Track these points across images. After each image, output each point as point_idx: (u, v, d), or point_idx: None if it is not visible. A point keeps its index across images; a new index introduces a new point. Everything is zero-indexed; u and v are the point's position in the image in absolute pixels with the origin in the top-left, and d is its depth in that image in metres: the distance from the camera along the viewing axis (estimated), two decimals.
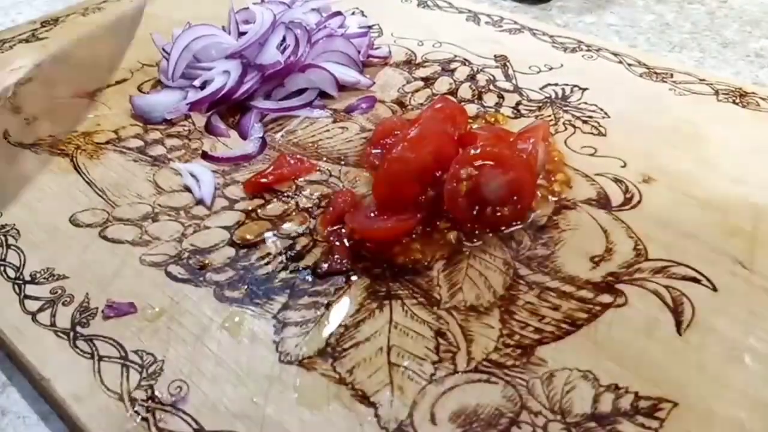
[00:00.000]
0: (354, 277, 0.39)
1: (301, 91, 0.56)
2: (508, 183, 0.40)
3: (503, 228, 0.41)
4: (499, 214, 0.41)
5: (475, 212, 0.41)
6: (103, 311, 0.38)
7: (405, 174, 0.41)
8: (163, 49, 0.60)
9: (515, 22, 0.66)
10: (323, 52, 0.58)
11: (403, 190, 0.42)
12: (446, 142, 0.43)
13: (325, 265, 0.40)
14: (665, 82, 0.55)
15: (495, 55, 0.61)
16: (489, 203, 0.41)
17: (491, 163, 0.40)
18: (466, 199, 0.40)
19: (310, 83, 0.56)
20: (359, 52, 0.60)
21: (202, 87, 0.56)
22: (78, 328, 0.37)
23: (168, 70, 0.59)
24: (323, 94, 0.57)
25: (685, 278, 0.37)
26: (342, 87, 0.57)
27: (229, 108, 0.56)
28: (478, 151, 0.41)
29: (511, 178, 0.40)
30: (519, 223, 0.41)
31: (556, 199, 0.43)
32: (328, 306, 0.37)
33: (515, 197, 0.41)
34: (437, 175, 0.42)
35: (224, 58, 0.58)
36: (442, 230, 0.41)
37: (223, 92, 0.55)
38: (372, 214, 0.42)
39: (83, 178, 0.49)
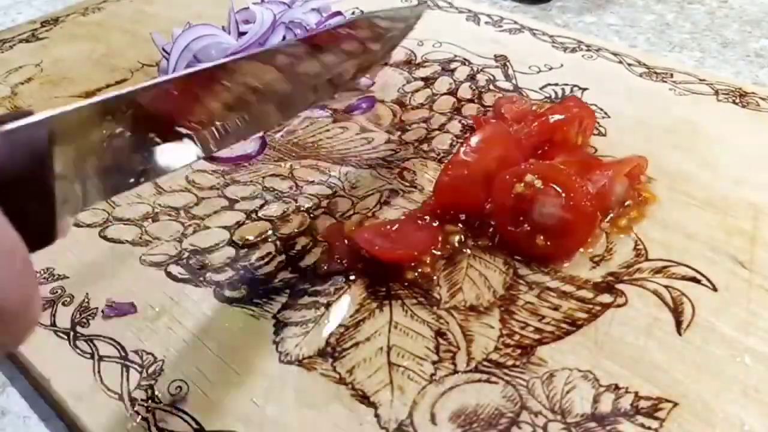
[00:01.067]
0: (354, 277, 0.39)
1: None
2: (561, 219, 0.37)
3: (543, 260, 0.38)
4: (540, 242, 0.38)
5: (522, 229, 0.38)
6: (103, 311, 0.38)
7: (467, 178, 0.40)
8: (163, 49, 0.60)
9: (515, 22, 0.66)
10: None
11: (466, 195, 0.40)
12: (513, 149, 0.41)
13: (325, 265, 0.40)
14: (665, 82, 0.55)
15: (495, 55, 0.61)
16: (537, 227, 0.38)
17: (542, 185, 0.37)
18: (515, 213, 0.38)
19: None
20: None
21: None
22: (78, 328, 0.37)
23: (168, 70, 0.58)
24: None
25: (685, 278, 0.37)
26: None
27: None
28: (534, 167, 0.38)
29: (565, 215, 0.37)
30: (563, 261, 0.38)
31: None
32: (328, 306, 0.37)
33: (565, 235, 0.38)
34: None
35: (224, 58, 0.58)
36: (448, 234, 0.41)
37: None
38: (385, 228, 0.41)
39: None
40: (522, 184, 0.38)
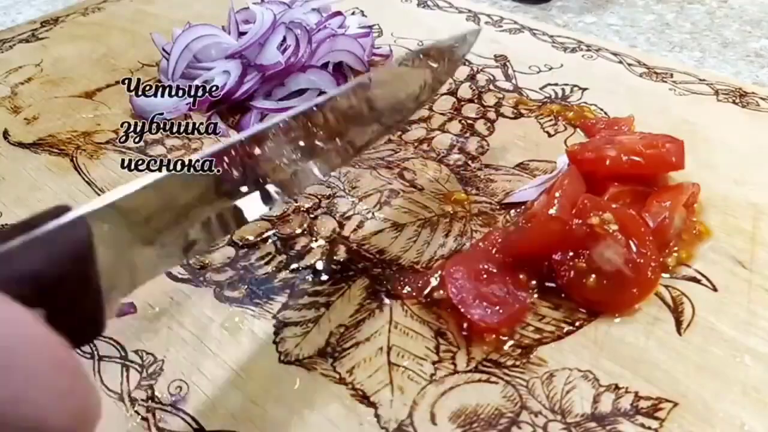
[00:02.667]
0: (354, 277, 0.39)
1: (301, 91, 0.57)
2: (618, 271, 0.34)
3: (592, 305, 0.36)
4: (590, 283, 0.35)
5: (577, 264, 0.35)
6: None
7: (555, 234, 0.37)
8: (163, 49, 0.60)
9: (515, 22, 0.66)
10: (330, 51, 0.58)
11: (549, 248, 0.37)
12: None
13: (325, 265, 0.40)
14: (665, 82, 0.55)
15: (495, 55, 0.61)
16: (592, 267, 0.35)
17: (616, 230, 0.35)
18: (578, 245, 0.36)
19: (311, 83, 0.56)
20: (364, 51, 0.60)
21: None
22: None
23: (168, 70, 0.59)
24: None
25: (685, 278, 0.37)
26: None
27: (229, 108, 0.56)
28: (616, 211, 0.36)
29: (625, 269, 0.34)
30: (612, 312, 0.35)
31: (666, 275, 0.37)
32: (328, 306, 0.37)
33: (617, 287, 0.35)
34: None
35: (224, 58, 0.58)
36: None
37: (223, 92, 0.55)
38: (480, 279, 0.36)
39: (83, 178, 0.49)
40: (598, 218, 0.36)
